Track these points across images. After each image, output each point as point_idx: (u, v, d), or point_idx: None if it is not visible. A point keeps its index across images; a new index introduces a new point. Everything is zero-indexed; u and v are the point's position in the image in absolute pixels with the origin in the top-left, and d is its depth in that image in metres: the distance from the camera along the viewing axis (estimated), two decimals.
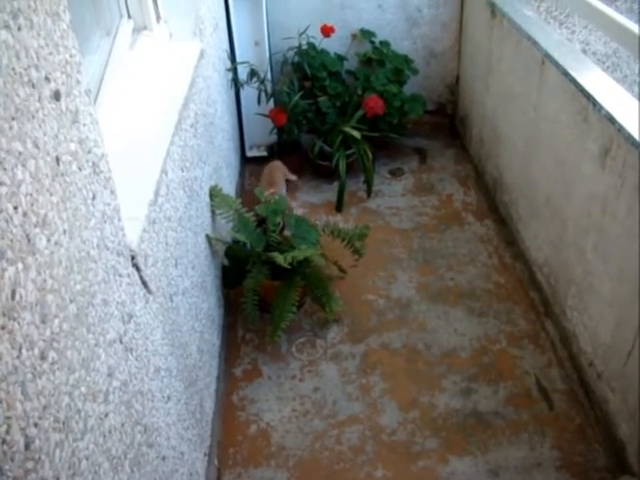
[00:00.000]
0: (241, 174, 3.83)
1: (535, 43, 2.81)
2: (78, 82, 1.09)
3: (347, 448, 2.34)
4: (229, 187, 3.24)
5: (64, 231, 0.99)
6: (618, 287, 2.19)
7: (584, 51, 3.96)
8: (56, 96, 0.99)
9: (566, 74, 2.49)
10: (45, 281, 0.92)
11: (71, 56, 1.06)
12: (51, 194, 0.96)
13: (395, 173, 3.92)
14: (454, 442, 2.34)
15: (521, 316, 2.87)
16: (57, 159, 0.98)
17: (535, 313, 2.88)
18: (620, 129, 2.09)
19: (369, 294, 3.01)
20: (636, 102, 2.23)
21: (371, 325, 2.84)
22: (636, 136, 2.01)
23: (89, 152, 1.14)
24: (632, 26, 2.28)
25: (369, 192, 3.67)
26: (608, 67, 4.07)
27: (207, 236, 2.43)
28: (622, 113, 2.14)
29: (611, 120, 2.15)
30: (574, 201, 2.51)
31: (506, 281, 3.07)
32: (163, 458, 1.57)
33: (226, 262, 2.77)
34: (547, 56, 2.68)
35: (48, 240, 0.93)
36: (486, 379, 2.58)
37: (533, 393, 2.52)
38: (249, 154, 4.01)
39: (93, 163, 1.16)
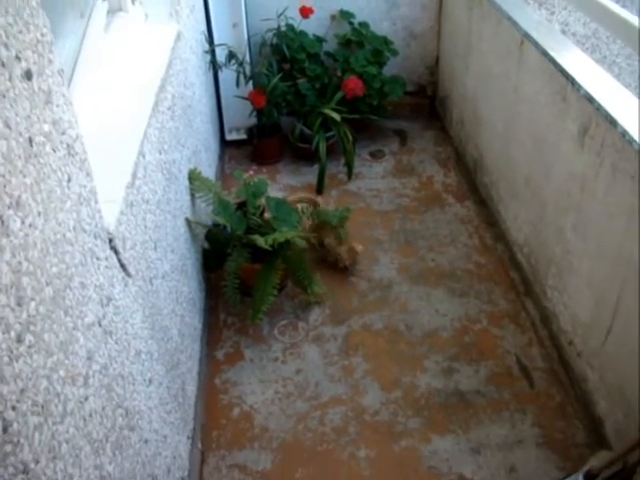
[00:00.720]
0: (221, 158, 3.80)
1: (515, 23, 2.80)
2: (50, 62, 1.07)
3: (330, 429, 2.34)
4: (208, 170, 3.22)
5: (39, 213, 0.98)
6: (597, 266, 2.20)
7: (563, 32, 3.97)
8: (27, 76, 0.97)
9: (545, 54, 2.49)
10: (20, 263, 0.90)
11: (42, 35, 1.04)
12: (24, 176, 0.94)
13: (375, 155, 3.92)
14: (436, 421, 2.36)
15: (502, 296, 2.89)
16: (30, 140, 0.97)
17: (515, 293, 2.89)
18: (599, 108, 2.09)
19: (350, 276, 3.01)
20: (614, 81, 2.24)
21: (353, 307, 2.85)
22: (614, 115, 2.02)
23: (63, 133, 1.12)
24: (612, 6, 2.28)
25: (349, 174, 3.66)
26: (587, 48, 4.07)
27: (187, 219, 2.42)
28: (601, 92, 2.15)
29: (590, 99, 2.15)
30: (553, 181, 2.52)
31: (487, 261, 3.08)
32: (145, 441, 1.56)
33: (207, 245, 2.76)
34: (526, 36, 2.67)
35: (22, 222, 0.92)
36: (467, 359, 2.59)
37: (514, 372, 2.54)
38: (228, 137, 3.98)
39: (68, 145, 1.14)
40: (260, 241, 2.42)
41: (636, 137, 1.90)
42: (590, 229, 2.24)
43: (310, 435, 2.33)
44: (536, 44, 2.57)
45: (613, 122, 2.01)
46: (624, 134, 1.94)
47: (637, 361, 1.96)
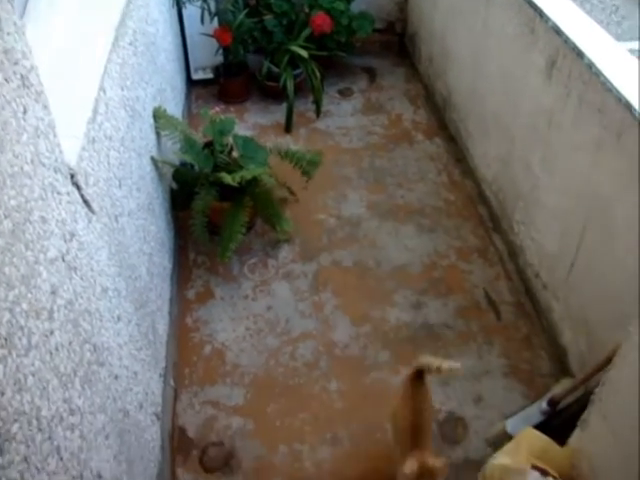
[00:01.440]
0: (187, 97, 3.73)
1: None
2: None
3: (301, 364, 2.38)
4: (175, 110, 3.16)
5: None
6: (562, 199, 2.23)
7: None
8: None
9: None
10: None
11: None
12: None
13: (344, 93, 3.88)
14: (405, 354, 2.39)
15: (470, 231, 2.92)
16: None
17: (484, 228, 2.92)
18: (566, 40, 2.09)
19: (319, 214, 3.02)
20: (582, 14, 2.22)
21: (322, 244, 2.86)
22: (581, 47, 2.01)
23: (16, 64, 1.09)
24: None
25: (318, 112, 3.62)
26: None
27: (152, 158, 2.38)
28: (568, 24, 2.14)
29: (557, 31, 2.14)
30: (521, 115, 2.52)
31: (456, 198, 3.10)
32: (115, 377, 1.57)
33: (174, 185, 2.73)
34: None
35: None
36: (436, 293, 2.63)
37: (482, 305, 2.59)
38: (195, 77, 3.90)
39: (22, 75, 1.11)
40: (227, 179, 2.40)
41: (601, 68, 1.90)
42: (557, 163, 2.25)
43: (281, 370, 2.36)
44: None
45: (580, 54, 2.01)
46: (591, 66, 1.94)
47: (601, 292, 2.00)
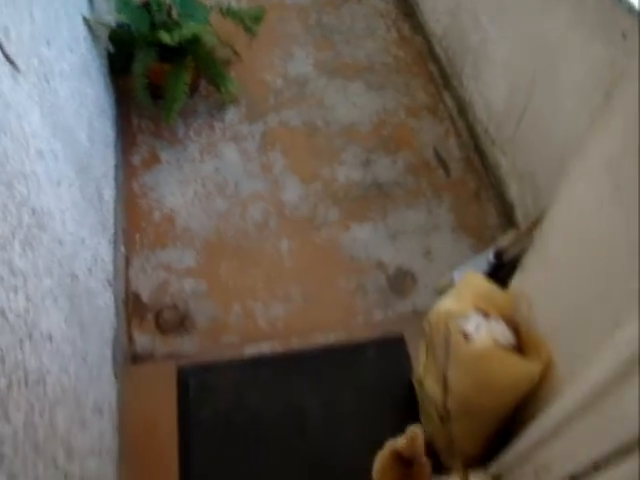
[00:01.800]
0: None
1: None
2: None
3: (251, 225, 2.38)
4: None
5: None
6: (511, 52, 2.20)
7: None
8: None
9: None
10: None
11: None
12: None
13: None
14: (355, 212, 2.42)
15: (420, 88, 2.87)
16: None
17: (434, 85, 2.88)
18: None
19: (265, 73, 2.93)
20: None
21: (269, 104, 2.80)
22: None
23: None
24: None
25: None
26: None
27: (84, 18, 2.25)
28: None
29: None
30: None
31: (405, 54, 3.03)
32: (60, 242, 1.55)
33: (112, 49, 2.60)
34: None
35: None
36: (385, 151, 2.62)
37: (431, 163, 2.59)
38: None
39: None
40: (166, 37, 2.29)
41: None
42: (506, 14, 2.20)
43: (232, 232, 2.36)
44: None
45: None
46: None
47: (546, 148, 2.01)
